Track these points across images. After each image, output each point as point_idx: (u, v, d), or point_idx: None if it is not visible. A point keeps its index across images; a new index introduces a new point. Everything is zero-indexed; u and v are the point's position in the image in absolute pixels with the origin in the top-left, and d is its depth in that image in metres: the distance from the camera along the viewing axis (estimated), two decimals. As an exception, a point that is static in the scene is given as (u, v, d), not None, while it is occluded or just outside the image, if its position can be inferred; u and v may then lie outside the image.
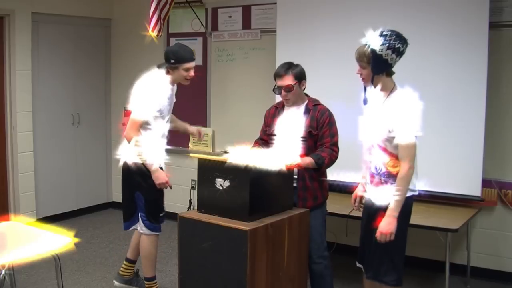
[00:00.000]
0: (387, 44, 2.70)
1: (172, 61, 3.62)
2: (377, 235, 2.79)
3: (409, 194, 2.88)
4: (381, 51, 2.72)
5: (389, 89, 2.87)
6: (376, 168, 2.93)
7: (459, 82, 4.00)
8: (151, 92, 3.62)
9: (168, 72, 3.69)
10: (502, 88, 4.10)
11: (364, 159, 3.07)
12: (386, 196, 2.84)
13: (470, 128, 3.96)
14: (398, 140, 2.77)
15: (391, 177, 2.86)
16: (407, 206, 2.88)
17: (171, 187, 3.76)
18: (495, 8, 3.99)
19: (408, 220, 2.96)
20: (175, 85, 3.83)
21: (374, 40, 2.73)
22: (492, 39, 3.91)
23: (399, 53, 2.74)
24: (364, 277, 3.13)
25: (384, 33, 2.74)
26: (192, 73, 3.70)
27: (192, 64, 3.68)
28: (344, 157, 3.41)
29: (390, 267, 2.90)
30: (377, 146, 2.91)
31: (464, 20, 3.94)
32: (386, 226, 2.76)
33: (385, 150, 2.86)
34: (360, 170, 3.17)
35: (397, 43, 2.71)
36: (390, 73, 2.85)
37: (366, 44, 2.79)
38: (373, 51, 2.74)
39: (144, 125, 3.62)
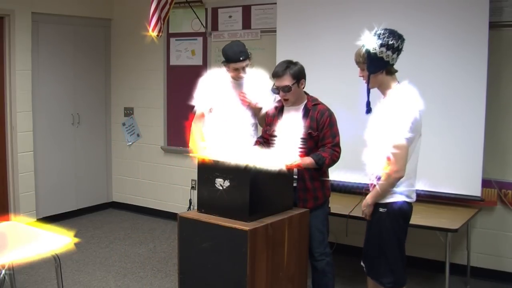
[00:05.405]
0: (381, 42, 2.71)
1: (223, 59, 3.67)
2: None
3: (406, 199, 2.88)
4: (375, 50, 2.73)
5: (388, 88, 2.84)
6: (372, 170, 2.92)
7: (459, 82, 3.99)
8: (201, 87, 3.83)
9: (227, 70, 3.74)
10: (502, 88, 4.10)
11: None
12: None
13: (470, 128, 3.96)
14: (389, 141, 2.76)
15: None
16: (399, 211, 2.87)
17: None
18: (495, 8, 3.99)
19: (403, 226, 2.94)
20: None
21: (368, 41, 2.75)
22: (492, 39, 3.91)
23: (394, 49, 2.73)
24: (368, 276, 3.16)
25: (378, 32, 2.75)
26: (241, 73, 3.66)
27: (238, 65, 3.61)
28: (345, 157, 3.40)
29: (387, 269, 2.93)
30: (377, 149, 2.89)
31: (464, 20, 3.93)
32: (363, 206, 2.98)
33: (383, 152, 2.83)
34: (359, 169, 3.16)
35: (391, 40, 2.71)
36: (390, 71, 2.81)
37: (362, 46, 2.80)
38: (367, 51, 2.76)
39: (202, 118, 3.84)
